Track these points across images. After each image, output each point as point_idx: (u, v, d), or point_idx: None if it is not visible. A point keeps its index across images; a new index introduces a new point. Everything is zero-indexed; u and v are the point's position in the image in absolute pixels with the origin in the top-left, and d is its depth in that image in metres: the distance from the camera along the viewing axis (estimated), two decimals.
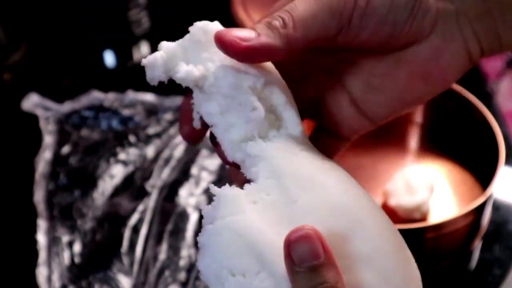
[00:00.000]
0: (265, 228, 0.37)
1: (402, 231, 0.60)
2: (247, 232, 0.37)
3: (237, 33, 0.38)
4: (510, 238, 0.71)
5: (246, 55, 0.39)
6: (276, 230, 0.37)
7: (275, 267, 0.36)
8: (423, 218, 0.69)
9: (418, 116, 0.81)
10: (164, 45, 0.41)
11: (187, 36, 0.41)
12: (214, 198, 0.39)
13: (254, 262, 0.37)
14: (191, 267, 0.69)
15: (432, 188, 0.71)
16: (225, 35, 0.38)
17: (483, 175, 0.72)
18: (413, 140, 0.81)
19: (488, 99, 0.80)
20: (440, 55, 0.41)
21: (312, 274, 0.35)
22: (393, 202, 0.70)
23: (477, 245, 0.70)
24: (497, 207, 0.72)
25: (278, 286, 0.36)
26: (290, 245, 0.35)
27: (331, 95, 0.44)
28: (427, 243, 0.64)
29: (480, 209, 0.65)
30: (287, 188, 0.38)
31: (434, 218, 0.70)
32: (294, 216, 0.37)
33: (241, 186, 0.39)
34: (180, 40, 0.41)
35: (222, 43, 0.38)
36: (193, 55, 0.41)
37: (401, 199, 0.69)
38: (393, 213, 0.70)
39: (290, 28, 0.39)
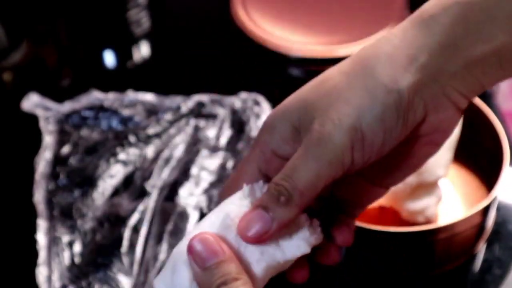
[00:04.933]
0: None
1: (411, 233, 0.60)
2: None
3: (256, 230, 0.40)
4: (510, 238, 0.71)
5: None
6: None
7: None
8: (427, 222, 0.68)
9: None
10: None
11: None
12: None
13: None
14: None
15: (440, 195, 0.69)
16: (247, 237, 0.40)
17: (486, 176, 0.72)
18: None
19: (488, 99, 0.80)
20: (439, 125, 0.43)
21: (214, 270, 0.38)
22: (396, 204, 0.69)
23: (482, 247, 0.69)
24: (497, 207, 0.72)
25: None
26: (191, 249, 0.39)
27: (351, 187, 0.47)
28: (436, 245, 0.64)
29: (487, 210, 0.65)
30: None
31: (441, 220, 0.69)
32: None
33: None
34: None
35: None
36: None
37: (405, 202, 0.68)
38: (395, 215, 0.69)
39: (297, 198, 0.40)
